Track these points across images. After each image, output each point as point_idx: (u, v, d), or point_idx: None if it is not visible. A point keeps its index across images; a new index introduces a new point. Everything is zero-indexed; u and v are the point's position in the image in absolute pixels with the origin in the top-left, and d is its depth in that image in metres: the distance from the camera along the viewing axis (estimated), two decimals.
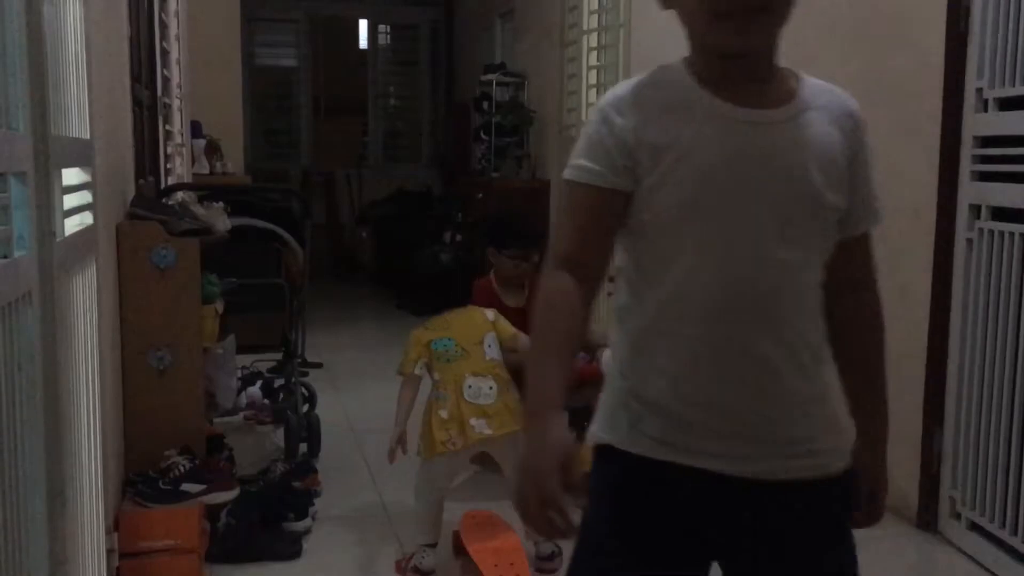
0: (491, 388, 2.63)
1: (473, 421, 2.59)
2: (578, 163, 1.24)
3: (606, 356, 2.59)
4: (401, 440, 2.69)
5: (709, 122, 1.19)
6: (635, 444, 1.25)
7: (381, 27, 9.79)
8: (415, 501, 2.73)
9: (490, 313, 2.82)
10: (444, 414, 2.61)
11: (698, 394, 1.22)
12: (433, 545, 2.70)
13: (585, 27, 6.12)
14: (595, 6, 6.05)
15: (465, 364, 2.66)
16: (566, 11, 6.32)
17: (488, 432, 2.59)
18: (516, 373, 2.69)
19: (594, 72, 6.06)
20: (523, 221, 3.69)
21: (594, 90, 6.09)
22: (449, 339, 2.71)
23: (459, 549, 2.79)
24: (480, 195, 6.76)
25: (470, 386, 2.63)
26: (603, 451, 1.29)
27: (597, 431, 1.30)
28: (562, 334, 1.20)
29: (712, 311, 1.20)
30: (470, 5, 8.95)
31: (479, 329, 2.74)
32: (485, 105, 7.15)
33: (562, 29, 6.45)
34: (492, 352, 2.71)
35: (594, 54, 6.05)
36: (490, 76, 7.17)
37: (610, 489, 1.28)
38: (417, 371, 2.70)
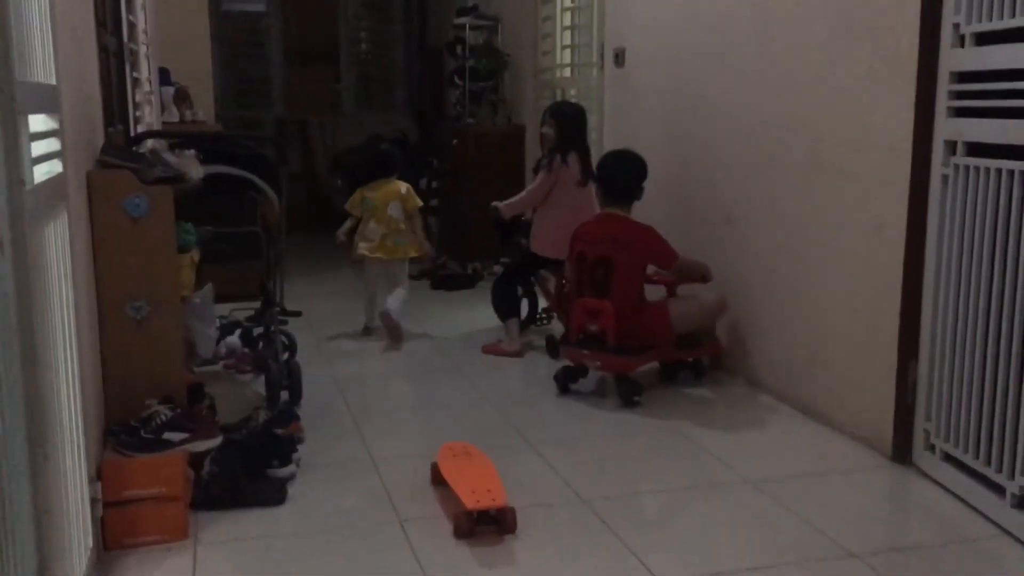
0: (378, 231, 4.82)
1: (361, 244, 4.83)
2: None
3: None
4: (340, 240, 4.89)
5: None
6: None
7: None
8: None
9: (404, 187, 4.92)
10: (357, 238, 4.86)
11: None
12: (369, 330, 4.96)
13: None
14: None
15: (374, 214, 4.84)
16: None
17: (364, 253, 4.82)
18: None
19: (569, 14, 5.98)
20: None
21: (569, 32, 6.02)
22: (371, 199, 4.88)
23: (437, 479, 2.89)
24: (455, 141, 6.71)
25: (370, 227, 4.83)
26: None
27: None
28: None
29: None
30: None
31: (390, 197, 4.88)
32: (459, 49, 7.05)
33: None
34: (393, 211, 4.85)
35: None
36: (463, 19, 7.05)
37: None
38: (357, 212, 4.88)
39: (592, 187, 4.38)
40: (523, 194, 4.68)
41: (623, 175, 3.98)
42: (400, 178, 5.03)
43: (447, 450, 2.96)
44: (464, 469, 2.82)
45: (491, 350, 4.55)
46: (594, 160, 4.52)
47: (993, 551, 2.51)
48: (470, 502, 2.58)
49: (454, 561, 2.47)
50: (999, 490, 2.63)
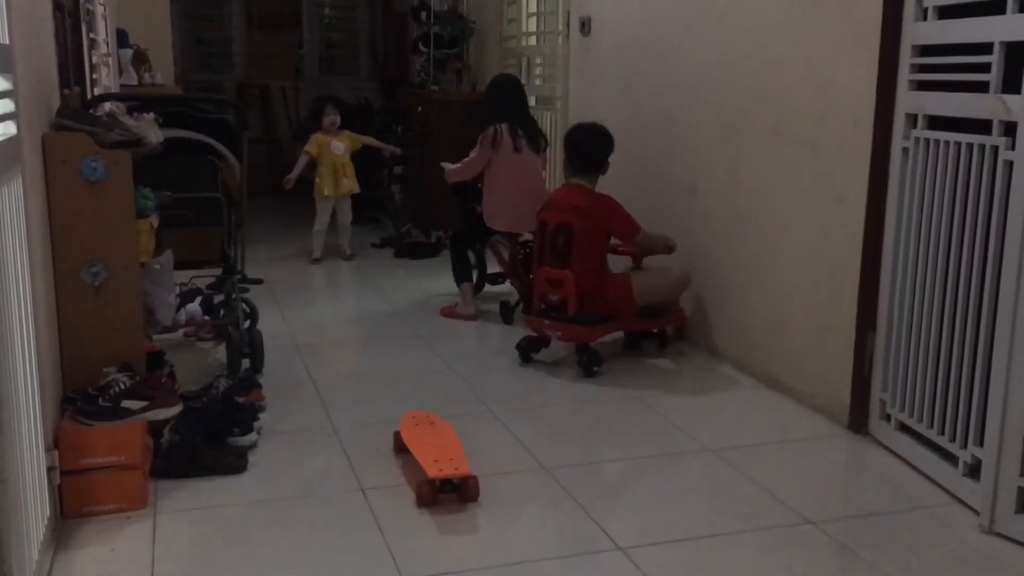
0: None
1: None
2: None
3: None
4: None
5: None
6: None
7: None
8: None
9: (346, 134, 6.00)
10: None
11: None
12: (318, 259, 5.92)
13: None
14: None
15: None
16: None
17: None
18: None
19: None
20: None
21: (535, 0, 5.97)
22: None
23: (400, 447, 2.89)
24: (420, 108, 6.64)
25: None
26: None
27: None
28: None
29: None
30: None
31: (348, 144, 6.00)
32: (423, 15, 6.97)
33: None
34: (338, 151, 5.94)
35: None
36: None
37: None
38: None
39: (531, 153, 4.48)
40: (460, 164, 4.68)
41: (589, 147, 3.99)
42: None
43: (409, 418, 2.97)
44: (426, 437, 2.82)
45: (447, 313, 4.64)
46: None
47: (946, 518, 2.56)
48: (432, 471, 2.59)
49: (416, 529, 2.47)
50: (952, 459, 2.68)
